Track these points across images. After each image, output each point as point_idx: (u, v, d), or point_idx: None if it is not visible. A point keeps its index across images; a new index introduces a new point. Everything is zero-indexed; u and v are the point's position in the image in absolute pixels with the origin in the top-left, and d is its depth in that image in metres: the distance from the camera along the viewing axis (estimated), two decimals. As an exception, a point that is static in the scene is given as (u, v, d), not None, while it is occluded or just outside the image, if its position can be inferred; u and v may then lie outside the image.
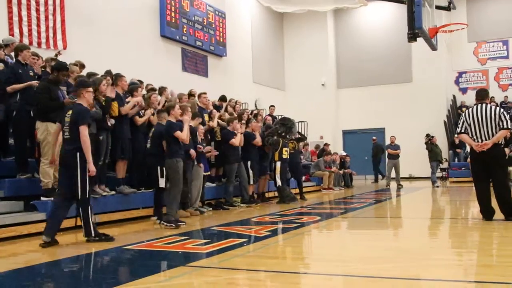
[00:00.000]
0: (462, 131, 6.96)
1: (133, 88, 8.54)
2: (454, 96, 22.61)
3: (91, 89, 6.21)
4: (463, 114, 7.08)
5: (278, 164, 10.83)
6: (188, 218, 8.22)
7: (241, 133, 10.20)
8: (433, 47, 15.18)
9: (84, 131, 5.77)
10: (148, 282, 3.92)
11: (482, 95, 7.01)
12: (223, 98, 12.15)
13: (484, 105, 6.83)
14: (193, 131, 8.45)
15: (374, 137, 20.03)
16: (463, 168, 18.57)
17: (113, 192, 7.86)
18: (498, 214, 6.80)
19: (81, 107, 5.94)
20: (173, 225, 6.98)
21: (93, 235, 5.87)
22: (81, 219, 5.88)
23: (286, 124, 11.20)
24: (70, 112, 5.90)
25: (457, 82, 22.88)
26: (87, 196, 5.84)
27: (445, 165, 19.30)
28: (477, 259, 4.82)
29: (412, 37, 13.72)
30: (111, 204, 7.72)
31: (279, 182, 10.81)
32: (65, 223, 6.81)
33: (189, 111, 8.04)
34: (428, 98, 21.44)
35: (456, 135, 19.67)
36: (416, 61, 21.92)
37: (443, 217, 8.98)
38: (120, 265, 4.95)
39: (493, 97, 18.71)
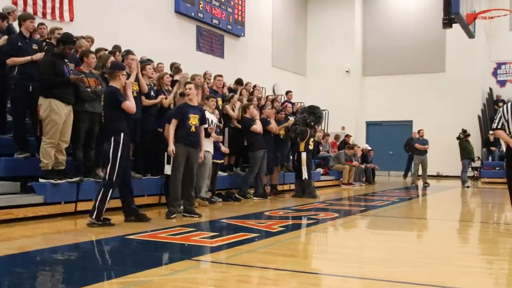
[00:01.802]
0: (499, 127, 6.82)
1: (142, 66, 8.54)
2: (490, 89, 22.23)
3: (125, 72, 6.55)
4: (501, 108, 6.93)
5: (304, 155, 10.73)
6: (196, 208, 8.20)
7: (259, 119, 10.16)
8: (471, 35, 14.94)
9: (127, 106, 6.18)
10: (150, 275, 3.91)
11: None
12: (239, 82, 12.09)
13: None
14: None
15: (414, 132, 19.33)
16: (497, 168, 18.29)
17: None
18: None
19: (111, 88, 6.28)
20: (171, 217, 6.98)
21: (101, 219, 6.13)
22: (96, 200, 6.13)
23: (316, 113, 11.12)
24: (103, 96, 6.40)
25: (495, 74, 22.47)
26: (114, 179, 6.12)
27: (477, 163, 19.02)
28: (509, 267, 4.74)
29: (448, 23, 13.51)
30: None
31: (305, 175, 10.71)
32: (64, 208, 6.90)
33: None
34: (462, 90, 21.10)
35: (491, 132, 19.39)
36: (451, 49, 21.56)
37: (472, 220, 8.86)
38: (120, 255, 4.96)
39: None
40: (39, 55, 7.10)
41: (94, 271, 4.12)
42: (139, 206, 8.12)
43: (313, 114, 11.05)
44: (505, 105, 6.92)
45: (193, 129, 7.21)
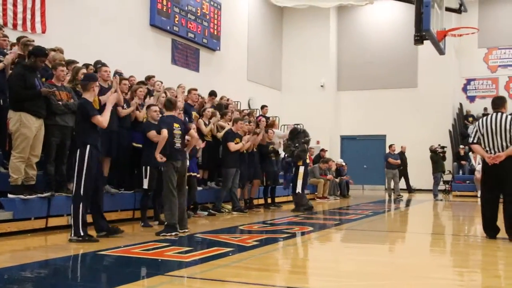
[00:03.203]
0: (475, 141, 6.90)
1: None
2: (461, 104, 22.68)
3: (98, 83, 6.58)
4: (477, 123, 7.02)
5: (301, 169, 10.90)
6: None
7: (247, 141, 10.30)
8: (441, 51, 15.19)
9: (96, 120, 6.11)
10: (122, 291, 3.84)
11: (498, 103, 6.91)
12: (212, 93, 12.06)
13: (499, 114, 6.75)
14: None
15: (403, 145, 19.00)
16: (467, 182, 18.62)
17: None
18: (502, 233, 6.77)
19: (85, 101, 6.23)
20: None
21: (81, 234, 5.99)
22: (70, 217, 6.07)
23: (294, 132, 11.42)
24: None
25: (465, 89, 22.95)
26: (81, 193, 6.03)
27: (448, 177, 19.32)
28: (479, 279, 4.79)
29: (419, 39, 13.72)
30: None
31: (299, 188, 10.84)
32: (34, 224, 6.75)
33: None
34: (433, 106, 21.47)
35: (461, 146, 19.76)
36: (423, 65, 21.95)
37: (444, 232, 8.97)
38: (93, 272, 4.86)
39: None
40: (8, 58, 6.99)
41: (64, 288, 4.03)
42: (113, 221, 8.03)
43: (295, 136, 11.27)
44: (480, 119, 7.01)
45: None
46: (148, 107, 8.30)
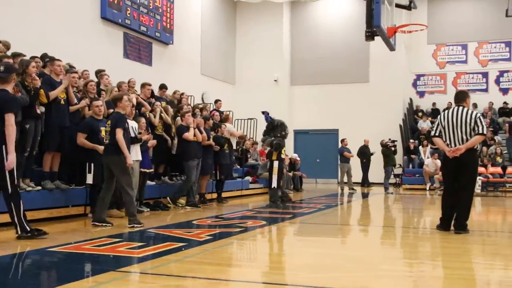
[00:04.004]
0: (437, 134, 7.01)
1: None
2: (411, 100, 23.29)
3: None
4: (439, 116, 7.15)
5: (276, 164, 10.90)
6: (123, 218, 8.03)
7: (194, 128, 10.19)
8: (391, 47, 15.56)
9: (10, 119, 5.64)
10: (72, 288, 3.78)
11: (460, 97, 7.03)
12: (163, 87, 11.92)
13: (461, 108, 6.87)
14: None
15: (366, 139, 19.22)
16: (417, 175, 19.18)
17: (39, 188, 7.58)
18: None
19: (7, 94, 5.82)
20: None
21: (28, 230, 5.84)
22: (12, 215, 5.81)
23: (272, 125, 11.52)
24: None
25: (414, 85, 23.59)
26: (17, 188, 5.83)
27: (398, 170, 19.83)
28: (427, 270, 4.95)
29: (370, 35, 13.99)
30: (36, 201, 7.41)
31: (275, 183, 10.90)
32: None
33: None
34: (384, 101, 21.94)
35: (411, 140, 20.32)
36: (374, 61, 22.38)
37: (394, 225, 9.22)
38: (42, 269, 4.76)
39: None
40: None
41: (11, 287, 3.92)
42: (64, 217, 7.91)
43: (274, 127, 11.40)
44: (442, 113, 7.14)
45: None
46: (91, 102, 8.21)
